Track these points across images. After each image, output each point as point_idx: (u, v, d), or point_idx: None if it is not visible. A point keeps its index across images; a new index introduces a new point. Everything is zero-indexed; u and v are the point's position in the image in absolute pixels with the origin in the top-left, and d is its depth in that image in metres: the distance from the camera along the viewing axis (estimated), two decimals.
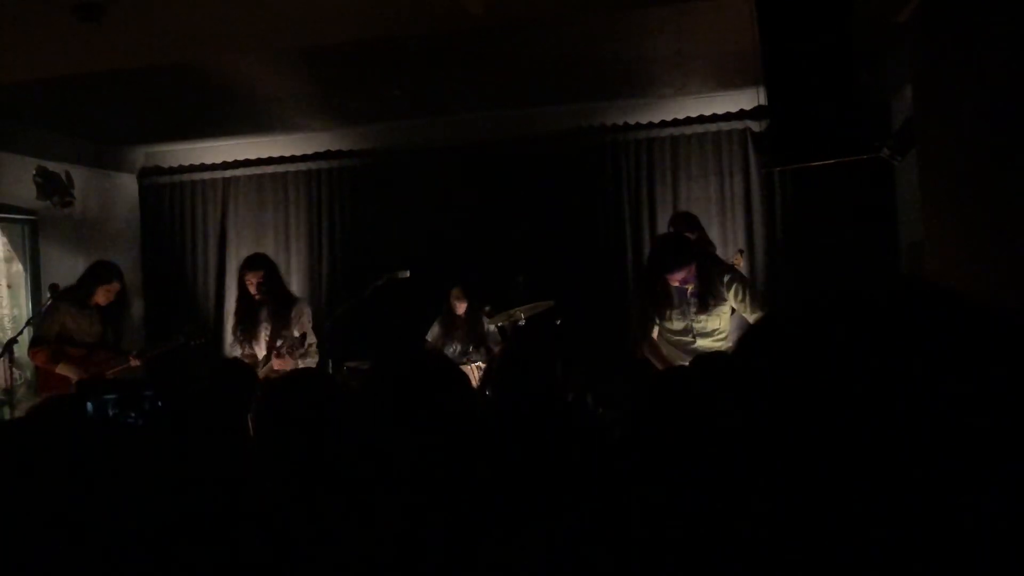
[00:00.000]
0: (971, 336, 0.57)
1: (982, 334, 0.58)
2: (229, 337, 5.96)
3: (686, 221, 5.88)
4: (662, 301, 4.86)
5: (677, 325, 4.90)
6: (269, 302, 5.68)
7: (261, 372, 5.32)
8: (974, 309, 0.59)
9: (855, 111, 4.06)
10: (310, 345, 5.61)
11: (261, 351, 5.65)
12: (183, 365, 6.04)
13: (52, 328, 5.70)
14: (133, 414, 1.39)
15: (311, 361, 5.62)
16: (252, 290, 5.66)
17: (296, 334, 5.52)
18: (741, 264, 6.01)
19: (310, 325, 5.72)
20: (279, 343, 5.49)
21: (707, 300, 4.77)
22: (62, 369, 5.58)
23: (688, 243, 4.92)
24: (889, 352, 0.57)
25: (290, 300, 5.78)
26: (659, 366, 4.89)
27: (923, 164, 4.92)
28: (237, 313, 5.88)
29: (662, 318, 4.90)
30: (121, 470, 1.25)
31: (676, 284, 4.77)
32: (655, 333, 4.97)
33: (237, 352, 5.81)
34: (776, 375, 0.61)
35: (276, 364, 5.52)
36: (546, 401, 2.05)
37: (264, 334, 5.64)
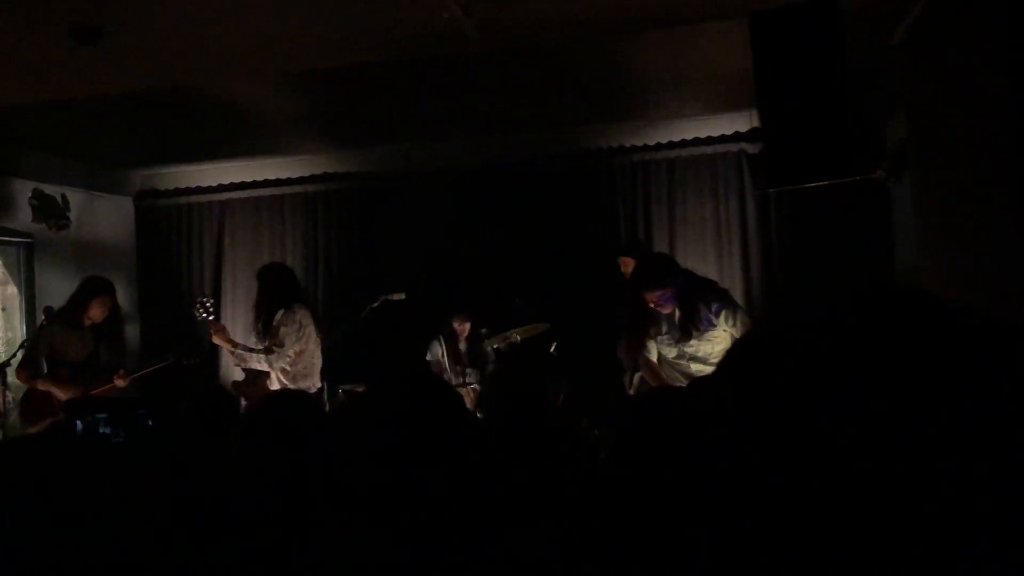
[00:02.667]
0: (955, 341, 0.57)
1: (966, 339, 0.58)
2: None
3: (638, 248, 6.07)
4: (643, 321, 4.86)
5: (670, 352, 4.90)
6: (261, 313, 5.71)
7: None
8: (956, 314, 0.59)
9: (849, 133, 4.08)
10: (273, 345, 5.54)
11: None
12: (178, 386, 6.01)
13: (40, 348, 5.70)
14: (123, 433, 1.38)
15: (262, 363, 5.58)
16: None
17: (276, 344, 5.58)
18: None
19: (287, 332, 5.61)
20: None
21: (688, 327, 4.75)
22: (43, 385, 5.57)
23: (669, 265, 4.91)
24: (871, 364, 0.57)
25: (273, 310, 5.69)
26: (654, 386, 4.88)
27: (917, 185, 4.94)
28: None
29: (645, 338, 4.89)
30: (109, 487, 1.25)
31: (652, 306, 4.77)
32: (654, 355, 4.96)
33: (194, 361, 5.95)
34: (758, 389, 0.61)
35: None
36: (535, 422, 2.05)
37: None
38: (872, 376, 0.56)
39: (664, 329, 4.85)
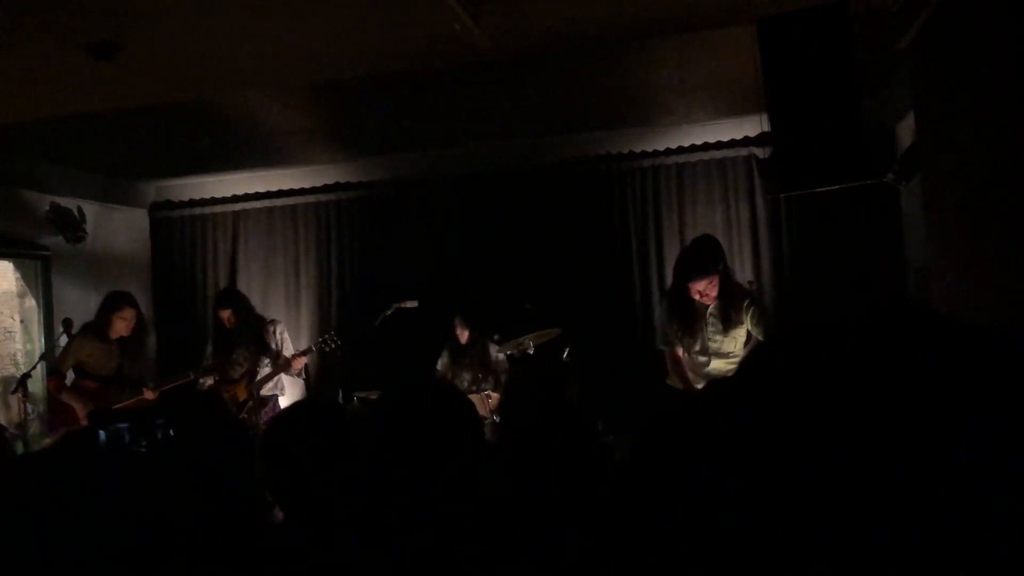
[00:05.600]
0: (969, 360, 0.58)
1: (981, 358, 0.58)
2: (207, 362, 6.26)
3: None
4: (686, 315, 4.83)
5: (695, 345, 4.88)
6: (243, 330, 6.07)
7: (245, 391, 5.98)
8: (973, 333, 0.60)
9: (858, 137, 4.08)
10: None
11: (237, 374, 6.07)
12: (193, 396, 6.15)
13: (68, 360, 5.80)
14: (145, 443, 1.41)
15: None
16: (226, 324, 6.13)
17: (287, 352, 6.12)
18: (752, 286, 6.02)
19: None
20: (267, 363, 6.05)
21: (730, 317, 4.74)
22: (67, 397, 5.65)
23: (717, 251, 4.89)
24: (887, 376, 0.58)
25: (262, 326, 6.22)
26: (680, 386, 4.86)
27: (927, 189, 4.93)
28: (214, 342, 6.28)
29: (685, 333, 4.85)
30: (133, 497, 1.28)
31: (696, 296, 4.74)
32: (680, 351, 4.94)
33: (210, 379, 6.11)
34: (774, 396, 0.61)
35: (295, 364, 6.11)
36: (552, 428, 2.06)
37: (242, 358, 6.07)
38: (892, 394, 0.57)
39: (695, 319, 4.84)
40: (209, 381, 6.04)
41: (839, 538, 0.55)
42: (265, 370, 6.07)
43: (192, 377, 6.05)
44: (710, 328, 4.81)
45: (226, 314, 6.10)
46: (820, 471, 0.56)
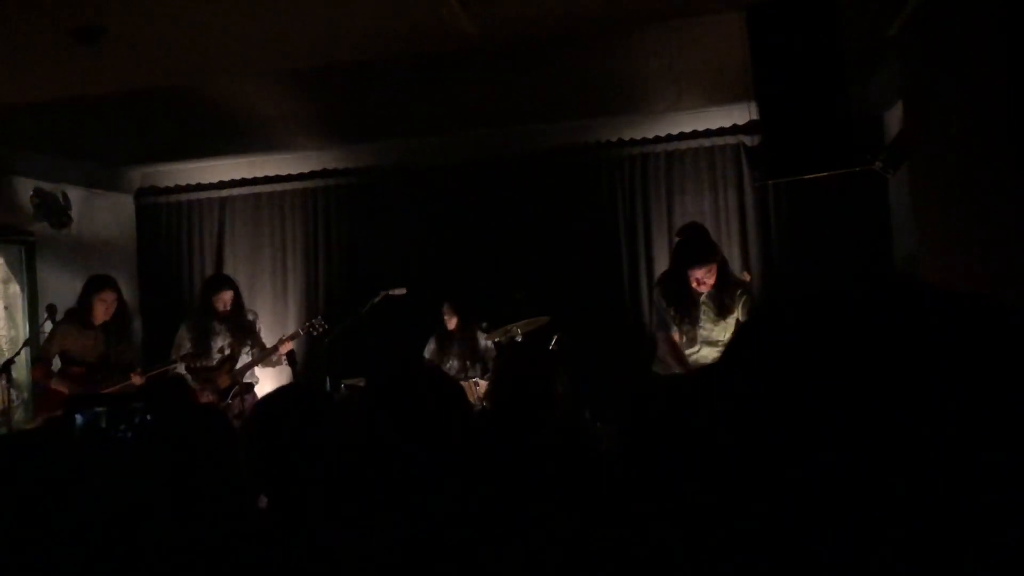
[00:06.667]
0: (959, 330, 0.57)
1: (971, 328, 0.57)
2: (182, 349, 6.16)
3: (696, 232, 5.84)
4: (683, 301, 4.83)
5: (691, 331, 4.88)
6: (234, 317, 6.10)
7: (228, 378, 6.00)
8: (962, 303, 0.59)
9: (846, 124, 4.09)
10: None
11: (216, 362, 6.08)
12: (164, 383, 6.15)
13: (52, 347, 5.75)
14: (123, 427, 1.39)
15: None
16: (221, 308, 6.07)
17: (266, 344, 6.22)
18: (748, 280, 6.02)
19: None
20: (248, 351, 6.11)
21: (724, 304, 4.76)
22: (56, 383, 5.61)
23: (712, 240, 4.92)
24: (878, 347, 0.57)
25: (246, 313, 6.32)
26: (678, 370, 4.86)
27: (914, 177, 4.94)
28: (194, 329, 6.18)
29: (682, 319, 4.85)
30: (112, 482, 1.26)
31: (694, 284, 4.74)
32: (676, 336, 4.93)
33: (181, 367, 6.04)
34: (763, 371, 0.61)
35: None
36: (539, 416, 2.05)
37: (221, 345, 6.08)
38: (876, 366, 0.56)
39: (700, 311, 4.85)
40: (182, 367, 6.00)
41: (827, 521, 0.54)
42: (246, 358, 6.06)
43: (175, 365, 6.03)
44: (703, 315, 4.82)
45: (228, 296, 6.05)
46: (811, 454, 0.55)
